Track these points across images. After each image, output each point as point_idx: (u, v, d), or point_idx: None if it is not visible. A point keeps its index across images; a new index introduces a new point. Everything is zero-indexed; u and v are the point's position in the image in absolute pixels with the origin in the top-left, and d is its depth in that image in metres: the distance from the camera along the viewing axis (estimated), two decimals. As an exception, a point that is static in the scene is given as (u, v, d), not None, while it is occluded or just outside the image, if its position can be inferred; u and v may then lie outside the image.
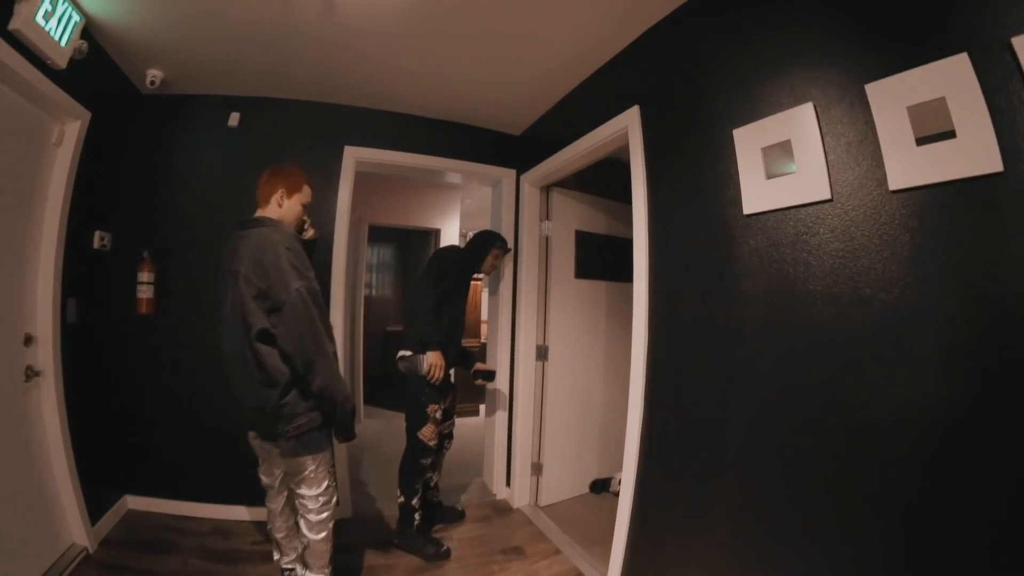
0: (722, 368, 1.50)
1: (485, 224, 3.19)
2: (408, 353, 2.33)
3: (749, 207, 1.44)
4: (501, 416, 3.01)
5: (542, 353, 2.91)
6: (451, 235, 5.11)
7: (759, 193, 1.41)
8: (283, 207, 1.70)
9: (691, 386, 1.63)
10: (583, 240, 3.03)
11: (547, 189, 2.97)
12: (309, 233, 1.94)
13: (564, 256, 2.96)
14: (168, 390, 2.56)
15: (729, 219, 1.51)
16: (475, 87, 2.54)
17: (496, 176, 3.05)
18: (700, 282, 1.62)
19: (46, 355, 1.94)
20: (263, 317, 1.49)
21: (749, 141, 1.44)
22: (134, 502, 2.52)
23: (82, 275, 2.21)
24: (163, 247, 2.53)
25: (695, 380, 1.61)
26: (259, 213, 1.70)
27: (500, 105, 2.76)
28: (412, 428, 2.34)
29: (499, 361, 2.98)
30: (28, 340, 1.88)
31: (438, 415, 2.34)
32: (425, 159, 2.89)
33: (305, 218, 1.88)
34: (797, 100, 1.31)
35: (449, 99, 2.71)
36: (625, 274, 3.09)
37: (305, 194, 1.78)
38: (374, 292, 6.37)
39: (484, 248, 2.59)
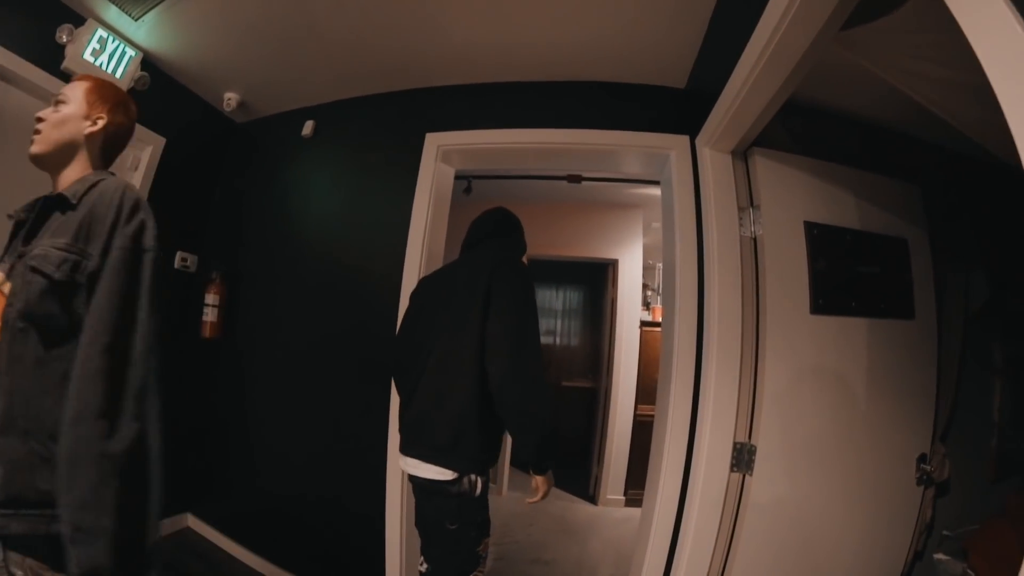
0: None
1: (671, 254, 1.89)
2: (448, 476, 1.24)
3: None
4: (658, 547, 1.66)
5: (743, 458, 1.51)
6: (632, 267, 3.96)
7: None
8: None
9: None
10: (822, 240, 1.57)
11: (745, 154, 1.66)
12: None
13: (787, 271, 1.56)
14: (231, 421, 2.32)
15: None
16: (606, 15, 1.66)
17: (658, 149, 1.89)
18: None
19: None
20: None
21: None
22: (194, 523, 2.37)
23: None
24: (235, 269, 2.38)
25: None
26: None
27: (650, 41, 1.73)
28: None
29: (663, 464, 1.69)
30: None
31: (488, 550, 1.31)
32: (540, 134, 1.94)
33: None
34: None
35: (571, 46, 1.84)
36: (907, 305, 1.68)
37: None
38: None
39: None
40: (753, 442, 1.50)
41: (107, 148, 0.97)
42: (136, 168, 2.07)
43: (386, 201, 2.10)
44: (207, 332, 2.25)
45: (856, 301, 1.54)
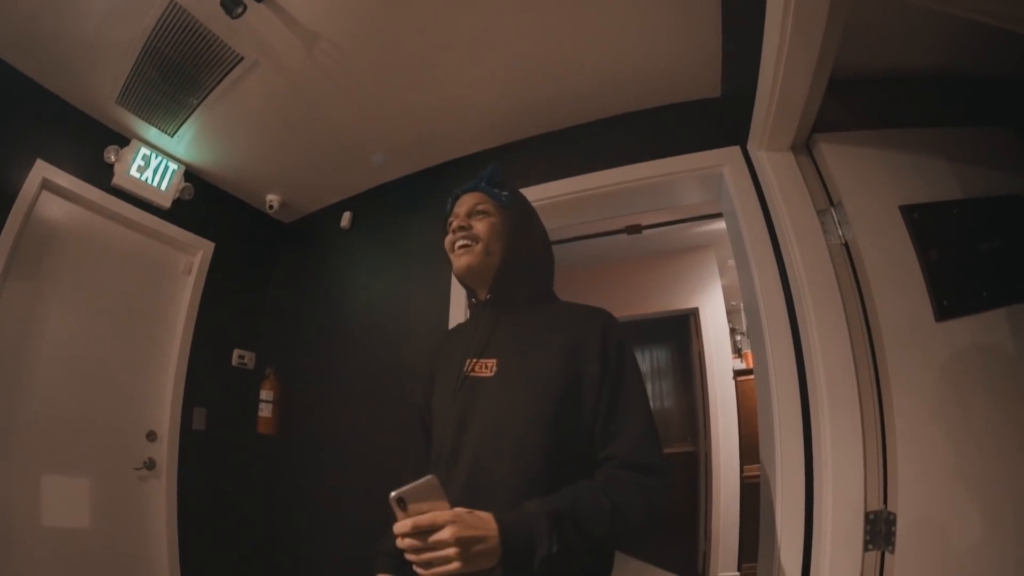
0: None
1: (751, 288, 1.57)
2: None
3: None
4: None
5: (879, 530, 1.11)
6: (715, 313, 3.55)
7: None
8: None
9: None
10: (926, 223, 1.22)
11: (808, 147, 1.41)
12: None
13: (894, 275, 1.22)
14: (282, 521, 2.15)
15: None
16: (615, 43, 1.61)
17: (709, 169, 1.68)
18: None
19: (164, 451, 1.99)
20: None
21: None
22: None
23: (219, 389, 2.23)
24: (289, 365, 2.31)
25: None
26: None
27: (669, 54, 1.63)
28: None
29: (776, 548, 1.30)
30: (151, 436, 1.98)
31: None
32: (579, 181, 1.84)
33: None
34: None
35: (591, 83, 1.78)
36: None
37: None
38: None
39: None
40: (891, 508, 1.10)
41: None
42: (189, 272, 2.18)
43: (426, 282, 2.02)
44: (261, 428, 2.20)
45: (987, 289, 1.15)
